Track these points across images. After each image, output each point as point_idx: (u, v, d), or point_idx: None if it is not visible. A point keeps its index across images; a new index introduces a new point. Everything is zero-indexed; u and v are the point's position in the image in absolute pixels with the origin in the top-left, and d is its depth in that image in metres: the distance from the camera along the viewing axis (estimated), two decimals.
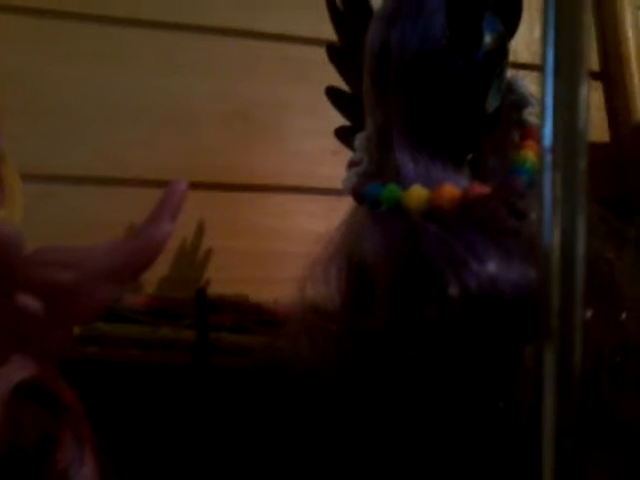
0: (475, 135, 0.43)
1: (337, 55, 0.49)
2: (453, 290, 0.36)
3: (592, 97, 0.77)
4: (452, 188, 0.39)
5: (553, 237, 0.21)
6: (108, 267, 0.32)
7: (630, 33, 0.76)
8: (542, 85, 0.21)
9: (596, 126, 0.75)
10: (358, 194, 0.43)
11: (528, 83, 0.44)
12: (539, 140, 0.34)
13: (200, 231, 0.64)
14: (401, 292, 0.40)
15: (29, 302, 0.29)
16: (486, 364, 0.38)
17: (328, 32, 0.49)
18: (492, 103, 0.42)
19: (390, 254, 0.40)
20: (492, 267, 0.37)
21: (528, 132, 0.43)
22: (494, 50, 0.41)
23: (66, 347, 0.34)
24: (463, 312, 0.37)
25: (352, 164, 0.46)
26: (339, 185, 0.46)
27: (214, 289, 0.61)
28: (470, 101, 0.42)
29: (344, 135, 0.50)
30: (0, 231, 0.27)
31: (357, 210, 0.44)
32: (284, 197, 0.67)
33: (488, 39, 0.41)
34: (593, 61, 0.77)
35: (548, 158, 0.21)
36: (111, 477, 0.35)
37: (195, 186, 0.61)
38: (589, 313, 0.38)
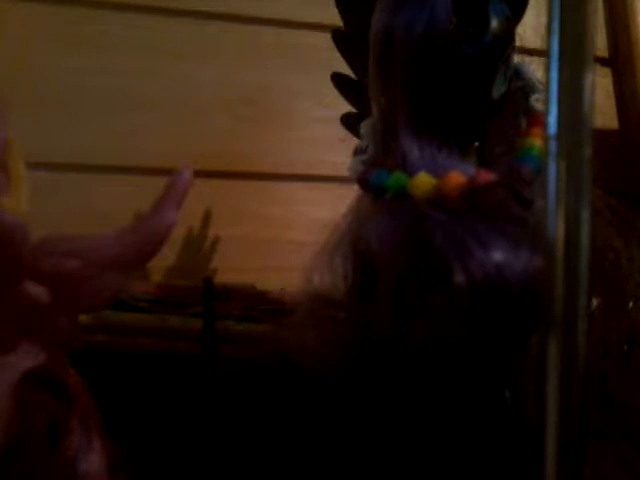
0: (481, 122, 0.43)
1: (343, 41, 0.49)
2: (458, 278, 0.36)
3: (601, 83, 0.76)
4: (458, 175, 0.39)
5: (557, 225, 0.20)
6: (114, 256, 0.33)
7: None
8: (547, 72, 0.21)
9: (605, 113, 0.75)
10: (364, 182, 0.43)
11: (536, 69, 0.44)
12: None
13: (207, 220, 0.64)
14: (407, 280, 0.40)
15: (36, 290, 0.29)
16: (492, 353, 0.38)
17: (334, 17, 0.48)
18: (498, 89, 0.42)
19: (396, 242, 0.40)
20: (498, 255, 0.37)
21: (535, 119, 0.42)
22: (500, 35, 0.41)
23: (73, 335, 0.34)
24: (469, 300, 0.37)
25: (358, 151, 0.45)
26: (346, 173, 0.45)
27: (221, 278, 0.61)
28: (476, 87, 0.41)
29: (350, 122, 0.50)
30: (5, 220, 0.27)
31: (363, 198, 0.44)
32: (291, 185, 0.67)
33: (494, 24, 0.41)
34: (602, 47, 0.77)
35: (553, 146, 0.21)
36: (119, 464, 0.36)
37: (202, 174, 0.61)
38: (595, 302, 0.38)
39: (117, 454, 0.36)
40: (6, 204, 0.30)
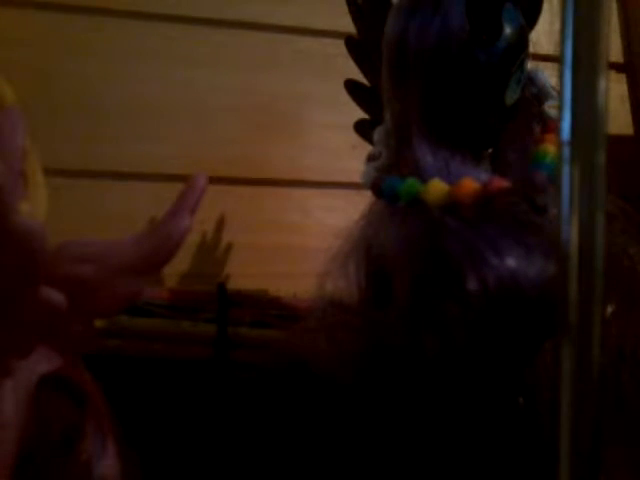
0: (495, 128, 0.43)
1: (356, 48, 0.49)
2: (472, 285, 0.36)
3: (616, 89, 0.75)
4: (472, 182, 0.39)
5: (571, 232, 0.20)
6: (129, 261, 0.33)
7: None
8: (560, 78, 0.21)
9: (620, 119, 0.74)
10: (377, 188, 0.43)
11: (549, 75, 0.44)
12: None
13: (220, 226, 0.64)
14: (420, 287, 0.40)
15: (52, 295, 0.29)
16: (506, 359, 0.38)
17: (346, 24, 0.49)
18: (512, 95, 0.42)
19: (409, 248, 0.40)
20: (511, 262, 0.37)
21: (549, 125, 0.42)
22: (514, 42, 0.41)
23: (89, 340, 0.34)
24: (482, 307, 0.37)
25: (371, 158, 0.45)
26: (359, 179, 0.45)
27: (234, 283, 0.61)
28: (490, 93, 0.41)
29: (363, 129, 0.50)
30: (23, 225, 0.27)
31: (376, 204, 0.44)
32: (304, 191, 0.67)
33: (508, 31, 0.41)
34: (617, 53, 0.76)
35: (566, 152, 0.21)
36: (133, 469, 0.36)
37: (215, 180, 0.62)
38: (610, 309, 0.38)
39: (131, 459, 0.36)
40: (24, 210, 0.30)
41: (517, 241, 0.37)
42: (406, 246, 0.40)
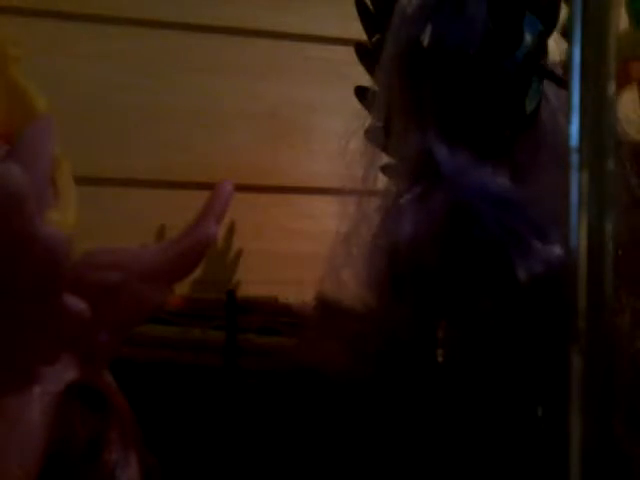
0: (515, 136, 0.43)
1: (366, 54, 0.49)
2: (521, 273, 0.33)
3: (629, 95, 0.75)
4: None
5: (580, 238, 0.20)
6: (155, 269, 0.33)
7: None
8: (569, 84, 0.21)
9: (633, 125, 0.74)
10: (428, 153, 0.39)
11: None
12: None
13: (230, 233, 0.64)
14: (446, 279, 0.37)
15: (75, 304, 0.29)
16: (535, 361, 0.36)
17: (355, 31, 0.49)
18: (531, 103, 0.42)
19: (432, 234, 0.38)
20: (559, 248, 0.32)
21: None
22: (534, 49, 0.41)
23: (115, 348, 0.34)
24: (525, 299, 0.34)
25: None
26: (368, 187, 0.45)
27: (243, 290, 0.61)
28: (510, 101, 0.41)
29: (373, 136, 0.50)
30: (46, 235, 0.27)
31: (390, 195, 0.43)
32: (313, 198, 0.67)
33: (528, 38, 0.41)
34: None
35: (575, 158, 0.20)
36: (155, 476, 0.36)
37: None
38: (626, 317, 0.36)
39: (153, 466, 0.36)
40: (53, 219, 0.30)
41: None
42: (428, 232, 0.38)
